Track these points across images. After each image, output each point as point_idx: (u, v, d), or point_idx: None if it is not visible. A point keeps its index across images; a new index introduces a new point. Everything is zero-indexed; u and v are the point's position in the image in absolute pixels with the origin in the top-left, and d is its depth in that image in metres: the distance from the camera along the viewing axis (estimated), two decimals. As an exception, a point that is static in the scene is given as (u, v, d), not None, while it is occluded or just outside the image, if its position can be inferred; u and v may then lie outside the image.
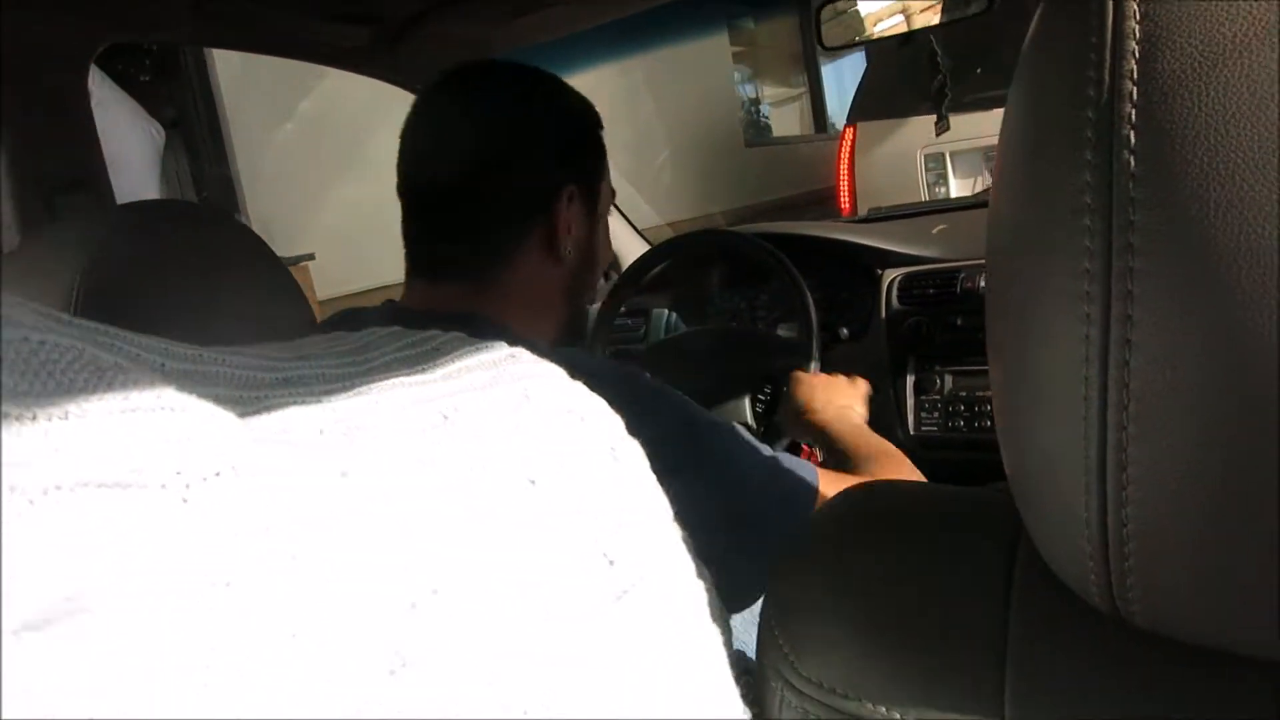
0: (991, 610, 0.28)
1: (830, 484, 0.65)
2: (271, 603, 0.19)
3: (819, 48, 1.52)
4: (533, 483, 0.27)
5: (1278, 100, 0.18)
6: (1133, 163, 0.19)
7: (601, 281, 1.37)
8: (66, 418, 0.19)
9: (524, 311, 0.73)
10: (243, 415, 0.26)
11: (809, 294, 1.32)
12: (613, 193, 0.87)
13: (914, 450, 1.42)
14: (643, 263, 1.42)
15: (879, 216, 1.75)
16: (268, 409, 0.27)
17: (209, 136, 3.41)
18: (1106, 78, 0.20)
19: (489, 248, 0.73)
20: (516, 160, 0.73)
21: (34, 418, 0.19)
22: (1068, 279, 0.21)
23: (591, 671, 0.24)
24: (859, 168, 3.86)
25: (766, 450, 0.67)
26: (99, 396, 0.20)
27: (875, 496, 0.34)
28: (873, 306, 1.48)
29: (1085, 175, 0.20)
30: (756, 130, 7.14)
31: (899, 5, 1.53)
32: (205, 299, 0.69)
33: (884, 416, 1.46)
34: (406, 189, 0.76)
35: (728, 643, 0.31)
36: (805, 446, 1.51)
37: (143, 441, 0.20)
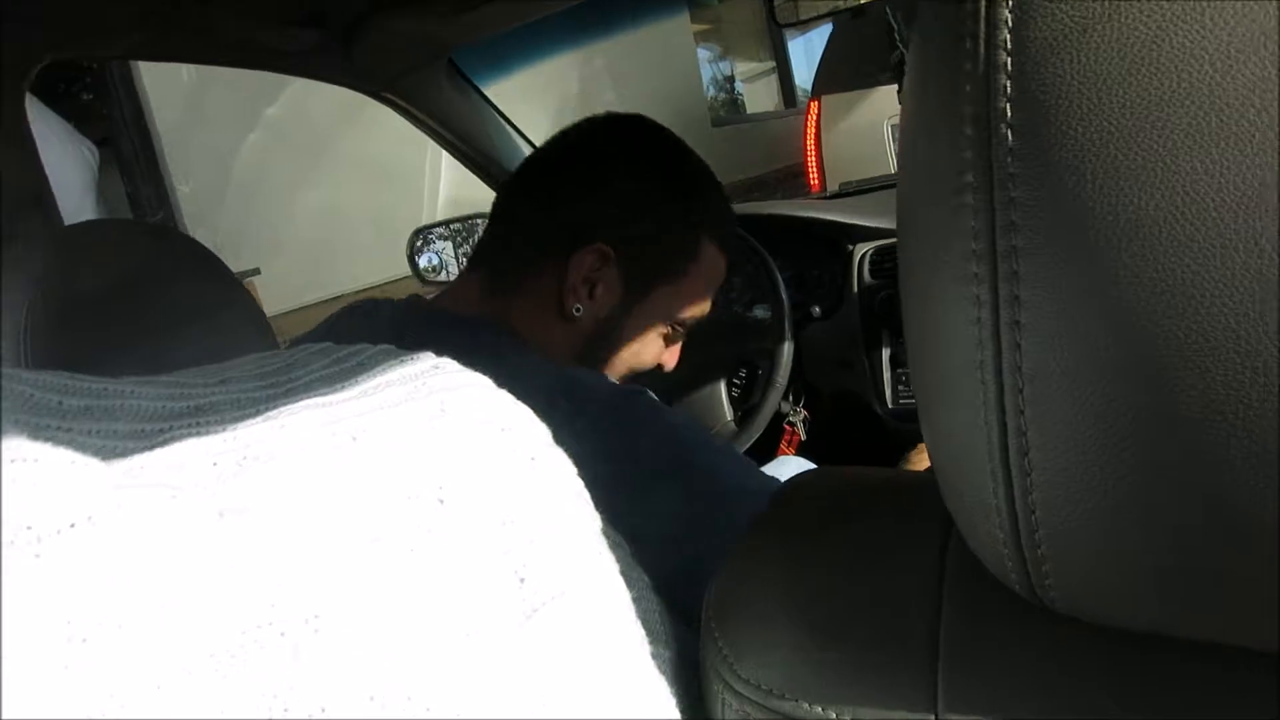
0: (924, 601, 0.27)
1: None
2: (133, 656, 0.18)
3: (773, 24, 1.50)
4: (441, 502, 0.26)
5: (1149, 65, 0.17)
6: (1010, 137, 0.18)
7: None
8: None
9: (531, 335, 0.74)
10: (134, 452, 0.25)
11: (778, 274, 1.31)
12: (694, 317, 0.81)
13: (893, 424, 1.42)
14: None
15: (848, 192, 1.74)
16: (165, 442, 0.26)
17: (141, 153, 3.28)
18: (982, 49, 0.19)
19: (512, 258, 0.77)
20: (562, 195, 0.76)
21: None
22: (958, 261, 0.20)
23: (497, 698, 0.23)
24: (826, 142, 3.82)
25: (761, 470, 0.67)
26: None
27: (809, 491, 0.33)
28: (845, 282, 1.47)
29: (967, 152, 0.19)
30: (724, 109, 7.08)
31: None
32: (159, 318, 0.68)
33: (861, 392, 1.45)
34: None
35: (661, 652, 0.30)
36: (787, 426, 1.51)
37: None
